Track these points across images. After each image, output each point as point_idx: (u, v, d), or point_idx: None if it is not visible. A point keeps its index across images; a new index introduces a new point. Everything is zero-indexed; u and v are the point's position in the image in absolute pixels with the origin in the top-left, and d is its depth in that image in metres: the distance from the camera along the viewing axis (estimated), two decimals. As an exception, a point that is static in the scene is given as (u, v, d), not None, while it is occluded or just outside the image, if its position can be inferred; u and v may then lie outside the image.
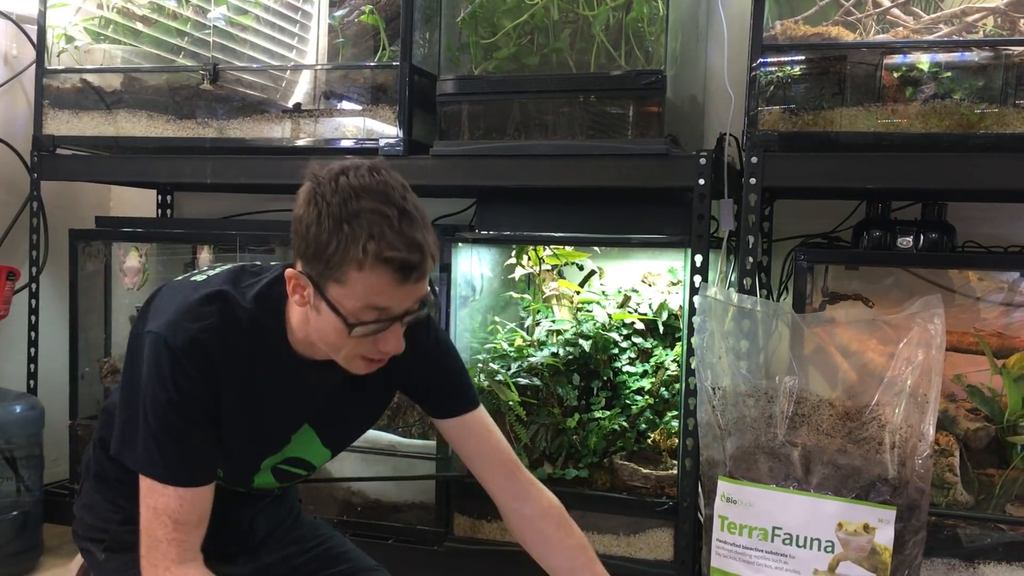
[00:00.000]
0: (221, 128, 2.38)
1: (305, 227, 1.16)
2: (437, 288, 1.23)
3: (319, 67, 2.48)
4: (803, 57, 1.95)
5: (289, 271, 1.22)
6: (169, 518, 1.25)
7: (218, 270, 1.37)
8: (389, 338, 1.21)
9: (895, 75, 1.89)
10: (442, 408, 1.45)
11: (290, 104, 2.43)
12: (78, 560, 1.63)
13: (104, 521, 1.44)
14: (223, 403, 1.27)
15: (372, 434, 2.34)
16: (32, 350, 2.61)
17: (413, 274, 1.15)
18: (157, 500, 1.25)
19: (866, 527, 1.70)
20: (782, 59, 1.95)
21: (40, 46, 2.54)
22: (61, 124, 2.53)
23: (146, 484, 1.27)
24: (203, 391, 1.24)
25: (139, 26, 2.51)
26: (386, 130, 2.26)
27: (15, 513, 2.40)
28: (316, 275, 1.18)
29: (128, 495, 1.40)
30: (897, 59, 1.91)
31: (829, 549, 1.72)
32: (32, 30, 2.60)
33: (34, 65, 2.57)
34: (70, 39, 2.56)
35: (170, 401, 1.23)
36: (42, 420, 2.47)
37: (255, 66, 2.48)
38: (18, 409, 2.43)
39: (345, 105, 2.35)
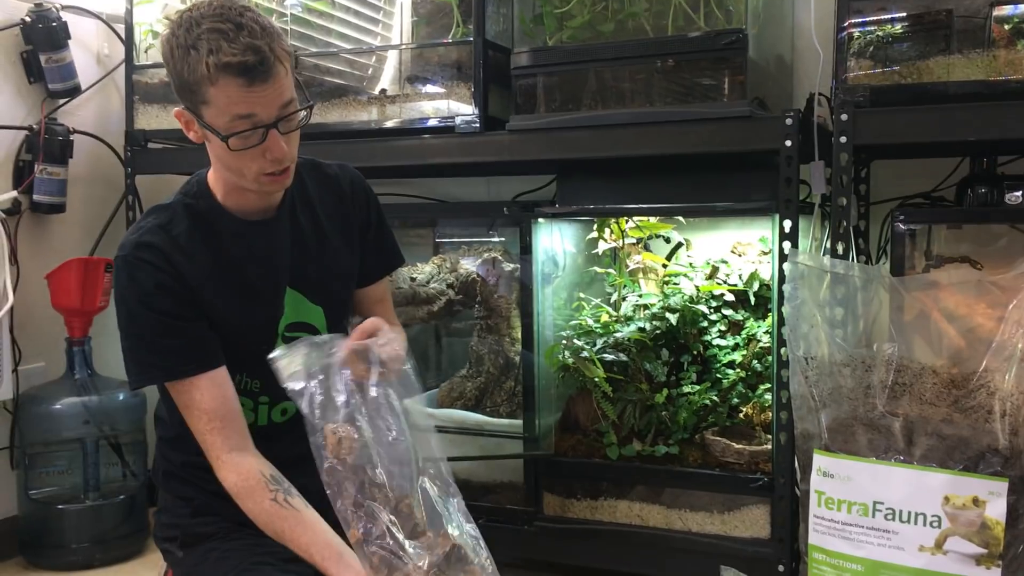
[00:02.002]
0: (302, 114, 2.39)
1: (168, 66, 1.30)
2: (307, 94, 1.39)
3: (391, 47, 2.47)
4: (895, 6, 1.83)
5: (176, 110, 1.35)
6: (199, 411, 1.34)
7: None
8: (272, 146, 1.30)
9: (1006, 27, 1.77)
10: (379, 266, 1.60)
11: (376, 90, 2.43)
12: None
13: (176, 518, 1.48)
14: (198, 287, 1.36)
15: (459, 414, 2.33)
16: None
17: (257, 75, 1.25)
18: (184, 399, 1.35)
19: (975, 500, 1.59)
20: (873, 9, 1.84)
21: (128, 43, 2.62)
22: (151, 119, 2.60)
23: (172, 390, 1.36)
24: (166, 279, 1.34)
25: (220, 18, 2.55)
26: (462, 108, 2.23)
27: (122, 497, 2.49)
28: (191, 105, 1.31)
29: (196, 482, 1.43)
30: (1007, 10, 1.77)
31: (935, 524, 1.62)
32: (121, 28, 2.68)
33: (124, 63, 2.65)
34: (156, 35, 2.62)
35: (141, 301, 1.33)
36: (144, 407, 2.56)
37: (329, 51, 2.48)
38: (122, 397, 2.52)
39: (423, 87, 2.33)
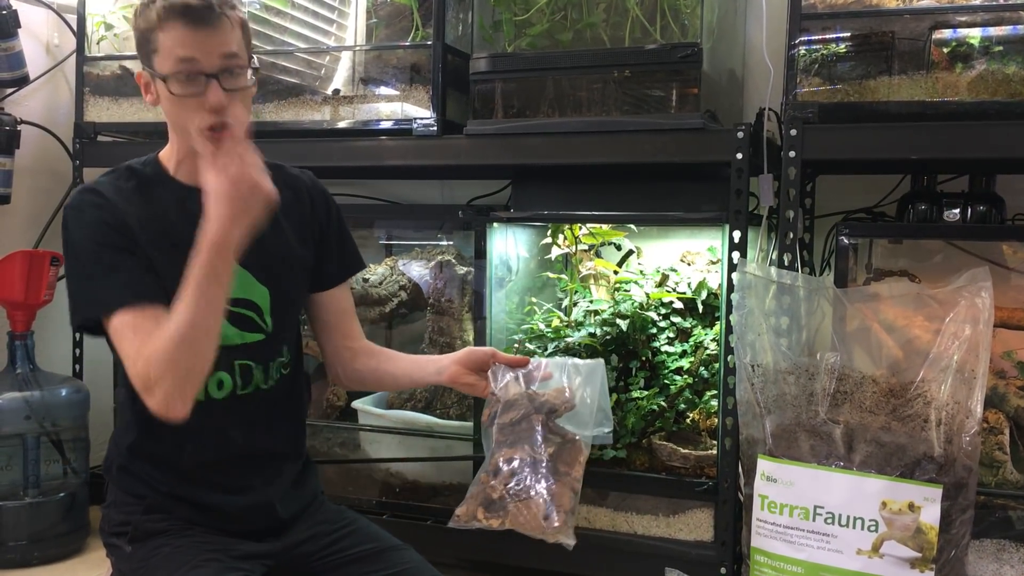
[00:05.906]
0: (256, 112, 2.39)
1: (134, 30, 1.39)
2: (252, 57, 1.44)
3: (349, 48, 2.47)
4: (843, 26, 1.89)
5: (137, 72, 1.42)
6: (153, 323, 1.32)
7: None
8: (209, 96, 1.34)
9: (945, 51, 1.84)
10: (340, 269, 1.64)
11: (329, 91, 2.43)
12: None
13: (127, 514, 1.48)
14: (138, 234, 1.39)
15: (410, 415, 2.34)
16: (77, 334, 2.65)
17: (200, 18, 1.33)
18: (128, 321, 1.33)
19: (911, 506, 1.65)
20: (822, 29, 1.90)
21: (80, 34, 2.58)
22: (102, 111, 2.56)
23: (115, 321, 1.34)
24: (110, 217, 1.38)
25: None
26: (418, 111, 2.25)
27: (62, 495, 2.44)
28: (146, 61, 1.38)
29: (150, 481, 1.44)
30: (947, 34, 1.85)
31: (873, 528, 1.67)
32: (72, 19, 2.63)
33: (75, 54, 2.61)
34: (109, 27, 2.59)
35: (86, 235, 1.37)
36: (87, 403, 2.52)
37: (287, 50, 2.48)
38: (64, 392, 2.47)
39: (380, 88, 2.34)
